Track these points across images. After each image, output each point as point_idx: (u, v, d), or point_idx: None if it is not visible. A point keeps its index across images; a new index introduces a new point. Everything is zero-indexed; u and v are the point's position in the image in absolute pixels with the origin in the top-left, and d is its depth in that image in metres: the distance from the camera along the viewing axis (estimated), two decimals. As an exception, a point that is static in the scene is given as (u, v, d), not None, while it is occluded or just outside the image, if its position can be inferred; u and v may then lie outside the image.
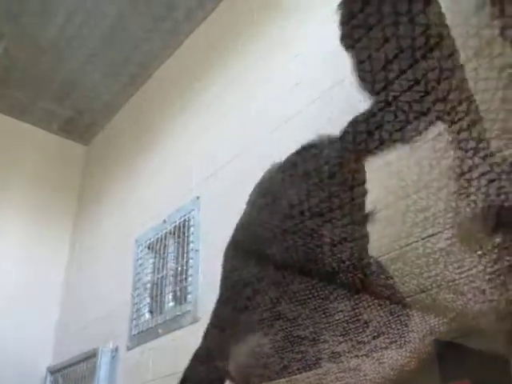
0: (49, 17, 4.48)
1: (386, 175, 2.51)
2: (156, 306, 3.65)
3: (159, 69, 5.05)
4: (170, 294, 3.58)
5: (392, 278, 1.67)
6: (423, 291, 1.62)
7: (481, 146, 1.46)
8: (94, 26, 4.61)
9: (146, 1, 4.43)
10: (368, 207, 1.95)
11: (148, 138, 4.80)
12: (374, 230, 2.07)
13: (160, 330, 3.43)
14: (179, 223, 3.68)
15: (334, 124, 2.63)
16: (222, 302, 1.91)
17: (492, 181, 1.40)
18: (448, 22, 1.57)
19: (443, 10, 1.76)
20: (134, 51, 4.88)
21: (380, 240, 2.14)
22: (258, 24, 3.87)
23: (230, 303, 1.77)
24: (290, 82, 3.29)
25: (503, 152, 1.37)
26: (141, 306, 3.78)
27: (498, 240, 1.39)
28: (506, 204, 1.34)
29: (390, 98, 1.73)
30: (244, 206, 2.22)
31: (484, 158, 1.44)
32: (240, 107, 3.73)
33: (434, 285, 1.56)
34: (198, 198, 3.63)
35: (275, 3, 3.78)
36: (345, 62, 2.16)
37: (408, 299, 1.65)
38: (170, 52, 4.88)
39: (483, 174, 1.42)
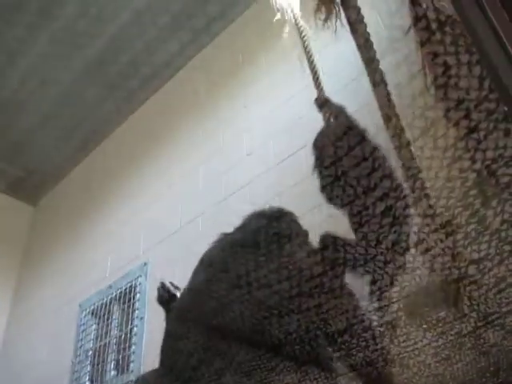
0: (3, 80, 4.48)
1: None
2: (97, 375, 3.51)
3: (111, 135, 5.07)
4: (112, 362, 3.46)
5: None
6: (369, 364, 1.61)
7: (425, 221, 1.50)
8: (47, 91, 4.63)
9: (100, 70, 4.49)
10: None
11: (96, 202, 4.75)
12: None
13: (99, 401, 3.29)
14: (125, 289, 3.61)
15: (284, 195, 2.67)
16: (163, 371, 1.84)
17: (436, 256, 1.43)
18: (396, 102, 1.64)
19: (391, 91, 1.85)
20: (87, 117, 4.91)
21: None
22: (210, 96, 3.98)
23: (173, 373, 1.71)
24: (241, 153, 3.36)
25: (447, 228, 1.41)
26: (81, 374, 3.63)
27: (442, 314, 1.41)
28: (449, 278, 1.37)
29: (339, 173, 1.77)
30: (191, 274, 2.21)
31: (428, 233, 1.48)
32: (190, 176, 3.77)
33: (380, 358, 1.56)
34: (145, 264, 3.58)
35: (223, 83, 3.92)
36: (297, 134, 2.22)
37: (354, 372, 1.64)
38: (122, 119, 4.92)
39: (428, 250, 1.45)
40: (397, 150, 1.56)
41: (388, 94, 1.58)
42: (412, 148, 1.53)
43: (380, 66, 1.66)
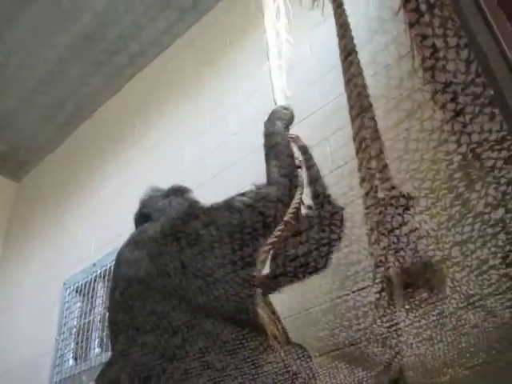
0: (-13, 55, 4.42)
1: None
2: (81, 352, 3.51)
3: (96, 112, 5.03)
4: (97, 339, 3.47)
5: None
6: (352, 344, 1.63)
7: (410, 203, 1.51)
8: (32, 68, 4.57)
9: (87, 46, 4.44)
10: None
11: (81, 179, 4.72)
12: (305, 282, 2.09)
13: (84, 377, 3.30)
14: (110, 267, 3.60)
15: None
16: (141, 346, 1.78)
17: (420, 237, 1.45)
18: (383, 84, 1.64)
19: (378, 73, 1.85)
20: (73, 93, 4.86)
21: (312, 292, 2.16)
22: (198, 75, 3.96)
23: (157, 351, 1.70)
24: (228, 132, 3.36)
25: (431, 210, 1.42)
26: (65, 351, 3.63)
27: (424, 295, 1.43)
28: (434, 260, 1.39)
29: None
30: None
31: (413, 215, 1.49)
32: (177, 155, 3.76)
33: (363, 338, 1.58)
34: (130, 242, 3.57)
35: (210, 61, 3.91)
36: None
37: (337, 352, 1.66)
38: (108, 96, 4.88)
39: (412, 231, 1.46)
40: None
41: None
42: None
43: (368, 46, 1.65)
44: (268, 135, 2.02)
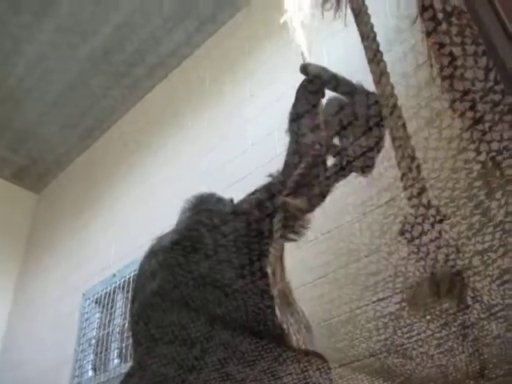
0: (8, 67, 4.48)
1: (337, 238, 2.54)
2: (100, 363, 3.53)
3: (116, 124, 5.07)
4: (116, 350, 3.48)
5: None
6: (372, 355, 1.62)
7: (430, 212, 1.50)
8: (53, 80, 4.64)
9: (106, 58, 4.49)
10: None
11: (100, 191, 4.76)
12: (325, 292, 2.09)
13: (103, 389, 3.31)
14: (129, 278, 3.61)
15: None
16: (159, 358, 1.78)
17: (440, 247, 1.43)
18: (401, 93, 1.63)
19: (396, 82, 1.84)
20: (92, 105, 4.91)
21: (331, 302, 2.15)
22: (216, 86, 3.98)
23: (176, 361, 1.70)
24: (246, 143, 3.36)
25: (451, 219, 1.41)
26: (84, 362, 3.65)
27: (445, 306, 1.41)
28: (454, 269, 1.37)
29: (344, 163, 1.76)
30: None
31: (433, 224, 1.47)
32: (195, 165, 3.77)
33: (383, 349, 1.56)
34: (150, 252, 3.59)
35: (229, 71, 3.92)
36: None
37: (357, 363, 1.64)
38: (127, 108, 4.93)
39: (432, 241, 1.45)
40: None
41: (392, 87, 1.57)
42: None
43: (387, 56, 1.65)
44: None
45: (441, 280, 1.43)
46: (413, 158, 1.45)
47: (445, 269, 1.43)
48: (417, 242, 1.50)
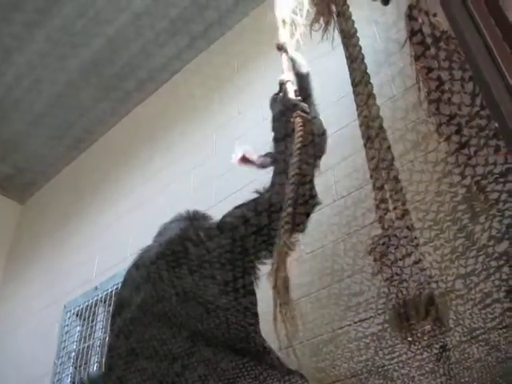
0: (-4, 76, 4.48)
1: (321, 258, 2.55)
2: (79, 377, 3.48)
3: (103, 136, 5.07)
4: (96, 364, 3.44)
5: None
6: (354, 375, 1.61)
7: (413, 235, 1.51)
8: (42, 90, 4.63)
9: (96, 71, 4.49)
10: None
11: (85, 203, 4.73)
12: (307, 311, 2.08)
13: (81, 403, 3.27)
14: (111, 291, 3.59)
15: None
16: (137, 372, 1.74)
17: (423, 269, 1.44)
18: (388, 115, 1.65)
19: (383, 104, 1.86)
20: (80, 117, 4.91)
21: (313, 322, 2.14)
22: (206, 101, 3.99)
23: (156, 377, 1.67)
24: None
25: (434, 242, 1.41)
26: (63, 375, 3.60)
27: (427, 327, 1.41)
28: (437, 292, 1.37)
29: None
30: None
31: (416, 246, 1.48)
32: (182, 180, 3.77)
33: (364, 370, 1.56)
34: (132, 267, 3.57)
35: (218, 88, 3.93)
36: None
37: (338, 383, 1.64)
38: (116, 121, 4.93)
39: (415, 263, 1.46)
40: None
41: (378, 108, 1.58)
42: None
43: (375, 79, 1.66)
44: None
45: (422, 302, 1.44)
46: (397, 180, 1.46)
47: (427, 291, 1.44)
48: (400, 263, 1.51)
